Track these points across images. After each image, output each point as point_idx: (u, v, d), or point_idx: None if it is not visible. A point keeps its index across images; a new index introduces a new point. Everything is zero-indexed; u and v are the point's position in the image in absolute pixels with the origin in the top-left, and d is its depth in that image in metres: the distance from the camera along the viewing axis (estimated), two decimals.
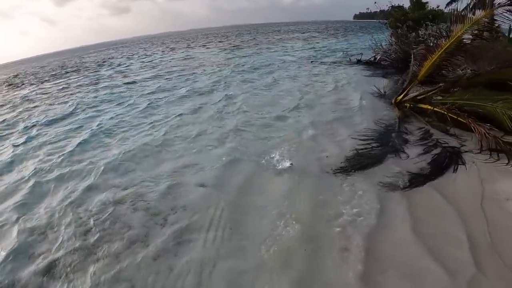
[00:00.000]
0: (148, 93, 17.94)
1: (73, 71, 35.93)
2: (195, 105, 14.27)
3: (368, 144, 8.55)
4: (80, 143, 10.79)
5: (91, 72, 32.35)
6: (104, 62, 43.01)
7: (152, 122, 12.30)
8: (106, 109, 15.65)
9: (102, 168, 8.61)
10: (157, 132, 11.12)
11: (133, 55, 48.56)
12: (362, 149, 8.30)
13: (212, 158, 8.69)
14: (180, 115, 12.88)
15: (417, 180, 6.79)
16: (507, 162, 7.04)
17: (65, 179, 8.36)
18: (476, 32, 9.61)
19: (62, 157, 9.75)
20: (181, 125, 11.60)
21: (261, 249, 5.25)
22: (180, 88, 18.39)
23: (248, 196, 6.82)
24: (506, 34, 15.32)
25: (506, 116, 7.89)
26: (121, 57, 47.52)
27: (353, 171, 7.35)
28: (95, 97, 18.77)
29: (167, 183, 7.51)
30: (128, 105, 15.77)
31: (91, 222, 6.36)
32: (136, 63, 35.14)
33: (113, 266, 5.14)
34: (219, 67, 24.92)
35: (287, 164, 7.68)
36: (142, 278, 4.85)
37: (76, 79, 28.30)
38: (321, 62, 22.80)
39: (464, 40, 10.09)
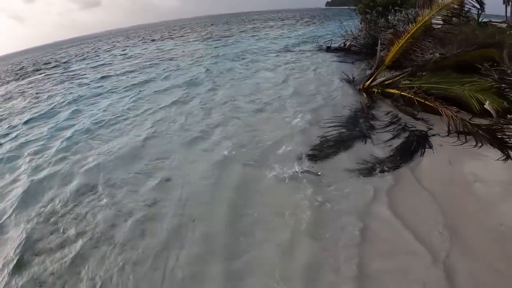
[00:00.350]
0: (132, 85, 17.05)
1: (47, 68, 33.73)
2: (179, 96, 13.69)
3: (336, 130, 8.31)
4: (67, 138, 10.20)
5: (69, 66, 30.98)
6: (79, 56, 41.05)
7: (136, 116, 11.72)
8: (89, 104, 14.77)
9: (88, 166, 8.12)
10: (142, 126, 10.55)
11: (110, 49, 46.30)
12: (329, 136, 8.06)
13: (195, 151, 8.37)
14: (164, 107, 12.33)
15: (386, 164, 6.63)
16: (474, 144, 6.88)
17: (53, 179, 7.81)
18: (444, 17, 9.45)
19: (49, 156, 9.18)
20: (166, 118, 11.07)
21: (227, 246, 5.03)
22: (163, 80, 17.67)
23: (230, 191, 6.46)
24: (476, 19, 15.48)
25: (474, 98, 7.81)
26: (96, 51, 45.47)
27: (321, 158, 7.13)
28: (75, 92, 17.70)
29: (149, 182, 7.08)
30: (110, 99, 15.00)
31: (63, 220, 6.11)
32: (115, 57, 33.46)
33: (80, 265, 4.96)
34: (200, 57, 24.12)
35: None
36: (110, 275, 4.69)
37: (52, 75, 26.71)
38: (300, 50, 22.34)
39: (434, 25, 9.98)
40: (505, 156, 6.40)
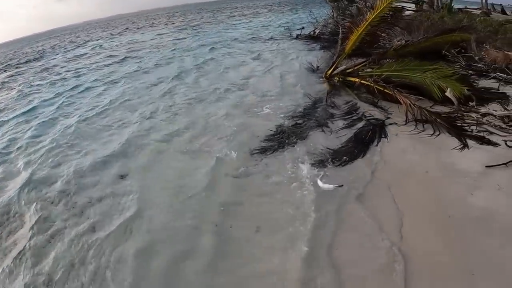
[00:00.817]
0: (117, 78, 16.17)
1: (27, 61, 31.59)
2: (165, 88, 12.98)
3: (293, 120, 7.99)
4: (53, 140, 9.28)
5: (49, 60, 29.27)
6: (60, 48, 39.18)
7: (121, 109, 11.08)
8: (75, 97, 13.98)
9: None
10: (129, 120, 9.97)
11: (89, 40, 44.05)
12: (285, 126, 7.73)
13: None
14: (150, 100, 11.68)
15: (339, 156, 6.34)
16: (432, 132, 6.62)
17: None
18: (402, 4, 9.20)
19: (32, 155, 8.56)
20: (152, 111, 10.40)
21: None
22: (148, 72, 16.79)
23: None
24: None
25: (435, 86, 7.57)
26: (75, 43, 43.83)
27: (274, 151, 6.81)
28: (59, 86, 16.71)
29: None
30: (97, 91, 14.29)
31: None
32: (95, 48, 31.69)
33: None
34: (182, 47, 23.23)
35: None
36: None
37: (33, 69, 25.11)
38: (273, 38, 21.62)
39: (404, 12, 9.74)
40: (462, 145, 6.16)
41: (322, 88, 10.04)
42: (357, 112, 7.98)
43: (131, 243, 4.85)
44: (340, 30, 10.88)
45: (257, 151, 6.82)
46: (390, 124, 7.27)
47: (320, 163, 6.17)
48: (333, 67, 10.19)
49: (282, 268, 4.17)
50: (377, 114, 7.78)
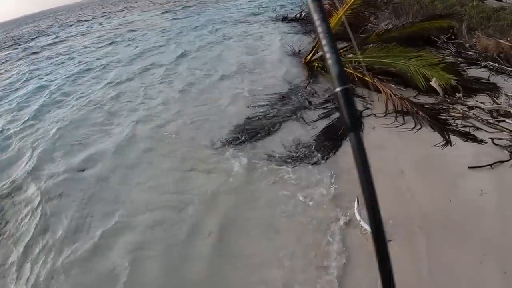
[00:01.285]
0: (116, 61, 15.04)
1: (16, 44, 30.11)
2: (161, 74, 11.96)
3: (265, 110, 7.39)
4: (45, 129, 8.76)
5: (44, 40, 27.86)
6: (58, 27, 37.71)
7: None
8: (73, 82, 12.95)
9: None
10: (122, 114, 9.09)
11: (83, 21, 42.72)
12: (253, 117, 7.10)
13: None
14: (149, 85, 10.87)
15: (311, 152, 5.76)
16: (412, 126, 6.00)
17: None
18: None
19: None
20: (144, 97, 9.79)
21: None
22: (150, 53, 15.73)
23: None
24: None
25: (420, 74, 6.93)
26: (63, 24, 42.31)
27: (243, 142, 6.27)
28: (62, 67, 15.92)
29: None
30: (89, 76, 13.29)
31: None
32: (97, 28, 29.95)
33: None
34: (186, 29, 21.39)
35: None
36: None
37: (25, 51, 23.89)
38: (257, 20, 20.82)
39: None
40: (444, 142, 5.54)
41: (301, 74, 9.32)
42: (334, 102, 7.30)
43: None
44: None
45: (231, 141, 6.30)
46: (368, 115, 6.63)
47: (290, 160, 5.62)
48: (313, 52, 9.44)
49: None
50: (357, 103, 7.12)
